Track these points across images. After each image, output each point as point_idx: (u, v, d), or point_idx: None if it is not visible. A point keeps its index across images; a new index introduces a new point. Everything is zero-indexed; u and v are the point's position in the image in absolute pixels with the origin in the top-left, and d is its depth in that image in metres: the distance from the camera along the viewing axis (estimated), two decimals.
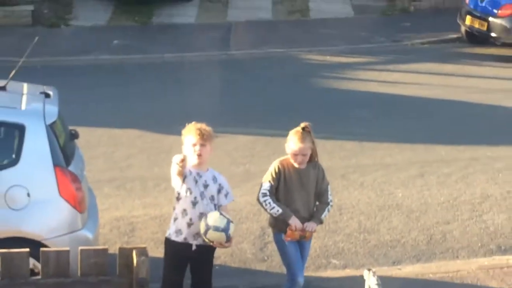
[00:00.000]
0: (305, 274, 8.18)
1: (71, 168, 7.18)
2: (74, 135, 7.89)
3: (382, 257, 8.68)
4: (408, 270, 8.41)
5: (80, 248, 5.29)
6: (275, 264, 8.42)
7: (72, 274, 5.24)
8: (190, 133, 6.40)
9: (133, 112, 12.63)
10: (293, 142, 6.76)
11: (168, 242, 6.52)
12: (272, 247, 8.71)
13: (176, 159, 6.21)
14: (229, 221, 6.34)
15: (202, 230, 6.31)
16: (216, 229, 6.27)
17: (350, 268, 8.38)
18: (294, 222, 6.72)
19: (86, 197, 7.32)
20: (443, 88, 14.44)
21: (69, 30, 17.35)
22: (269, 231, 9.06)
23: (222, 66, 15.66)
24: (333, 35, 17.39)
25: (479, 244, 9.02)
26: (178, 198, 6.44)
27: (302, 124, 6.85)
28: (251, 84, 14.50)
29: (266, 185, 6.77)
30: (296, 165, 6.79)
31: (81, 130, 8.13)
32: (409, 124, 12.50)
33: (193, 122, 6.51)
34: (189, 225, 6.42)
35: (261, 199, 6.76)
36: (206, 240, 6.34)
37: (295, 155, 6.77)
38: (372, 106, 13.39)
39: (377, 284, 5.34)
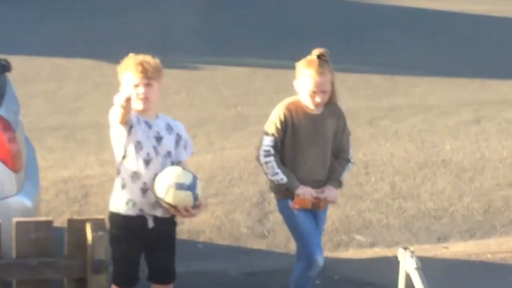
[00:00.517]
0: None
1: (1, 112, 7.18)
2: (5, 67, 7.87)
3: (423, 232, 8.74)
4: (458, 248, 8.47)
5: (15, 220, 5.30)
6: (278, 241, 8.49)
7: (4, 254, 5.27)
8: (129, 69, 6.33)
9: (84, 34, 12.60)
10: (308, 75, 6.72)
11: (117, 219, 6.46)
12: (275, 218, 8.77)
13: (119, 99, 6.11)
14: (195, 177, 6.30)
15: (159, 192, 6.26)
16: (180, 186, 6.19)
17: (380, 247, 8.44)
18: (303, 191, 6.74)
19: (23, 150, 7.33)
20: (508, 2, 14.41)
21: None
22: (271, 196, 9.13)
23: None
24: None
25: None
26: (124, 157, 6.38)
27: (317, 51, 6.81)
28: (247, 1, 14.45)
29: (268, 140, 6.74)
30: (312, 106, 6.77)
31: (14, 59, 8.11)
32: (459, 51, 12.50)
33: (131, 54, 6.43)
34: (144, 191, 6.37)
35: (262, 160, 6.74)
36: (165, 205, 6.29)
37: (313, 92, 6.74)
38: (409, 26, 13.39)
39: (417, 268, 5.37)
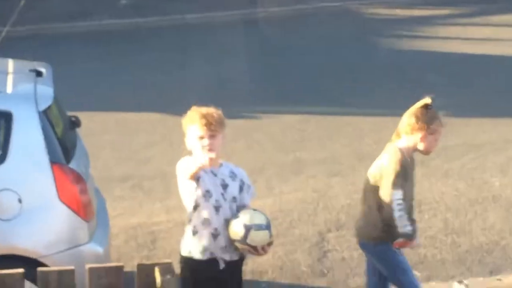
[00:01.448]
0: None
1: (72, 165, 7.23)
2: (74, 123, 7.95)
3: (476, 265, 8.62)
4: (511, 280, 8.35)
5: (87, 266, 5.32)
6: (337, 278, 8.45)
7: None
8: (194, 122, 6.35)
9: (148, 89, 12.68)
10: (436, 123, 6.76)
11: (190, 263, 6.47)
12: (333, 256, 8.73)
13: (190, 163, 6.17)
14: (267, 217, 6.37)
15: (238, 235, 6.28)
16: (259, 227, 6.27)
17: (436, 280, 8.34)
18: (418, 242, 6.82)
19: (93, 200, 7.37)
20: None
21: None
22: (329, 236, 9.10)
23: (256, 26, 15.69)
24: None
25: None
26: (195, 207, 6.40)
27: (428, 100, 6.82)
28: (294, 50, 14.47)
29: (399, 194, 6.64)
30: (428, 153, 6.82)
31: (83, 116, 8.19)
32: (505, 92, 12.40)
33: (194, 107, 6.44)
34: (215, 236, 6.39)
35: (397, 214, 6.64)
36: (244, 247, 6.32)
37: (436, 140, 6.78)
38: (455, 70, 13.31)
39: None
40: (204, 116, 6.32)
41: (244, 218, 6.28)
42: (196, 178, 6.27)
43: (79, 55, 14.23)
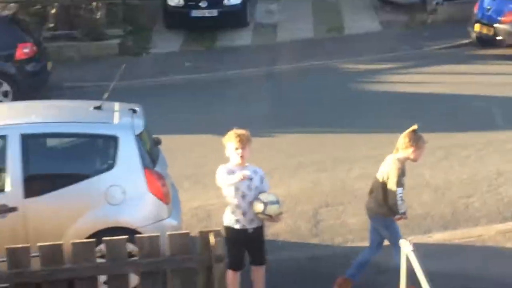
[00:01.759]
0: (352, 244, 8.18)
1: (156, 168, 7.27)
2: (157, 142, 8.00)
3: (415, 228, 8.56)
4: (437, 237, 8.32)
5: (167, 233, 5.35)
6: (327, 238, 8.40)
7: (162, 254, 5.31)
8: (231, 140, 6.45)
9: (203, 120, 12.70)
10: (421, 142, 6.78)
11: (230, 230, 6.54)
12: (324, 224, 8.69)
13: (238, 176, 6.26)
14: (277, 197, 6.49)
15: (260, 209, 6.37)
16: (272, 203, 6.39)
17: None
18: (406, 217, 6.92)
19: (170, 191, 7.40)
20: (459, 85, 14.21)
21: (149, 57, 17.53)
22: (321, 211, 9.06)
23: (273, 78, 15.65)
24: (364, 47, 17.23)
25: (497, 213, 8.86)
26: (231, 196, 6.52)
27: (415, 126, 6.87)
28: (296, 92, 14.44)
29: (400, 190, 6.76)
30: (416, 161, 6.89)
31: (163, 137, 8.23)
32: (433, 116, 12.33)
33: (233, 130, 6.52)
34: (244, 214, 6.48)
35: (399, 203, 6.76)
36: (264, 217, 6.39)
37: (422, 153, 6.84)
38: (400, 103, 13.24)
39: (412, 250, 5.29)
40: (238, 135, 6.39)
41: (262, 197, 6.40)
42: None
43: (160, 99, 14.24)
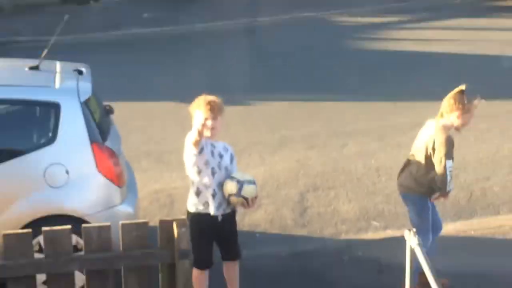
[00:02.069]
0: (346, 237, 8.24)
1: (107, 143, 7.23)
2: (108, 111, 7.94)
3: None
4: (449, 228, 8.33)
5: (121, 222, 5.33)
6: (315, 229, 8.44)
7: (114, 248, 5.29)
8: (200, 108, 6.39)
9: (165, 84, 12.65)
10: (469, 104, 6.68)
11: (196, 217, 6.50)
12: (311, 212, 8.73)
13: (195, 130, 6.20)
14: (252, 177, 6.52)
15: (234, 190, 6.33)
16: (249, 182, 6.39)
17: (391, 229, 8.36)
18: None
19: (124, 171, 7.37)
20: (476, 43, 14.28)
21: (98, 5, 17.41)
22: (308, 196, 9.11)
23: (252, 33, 15.60)
24: None
25: None
26: (198, 172, 6.44)
27: (463, 86, 6.75)
28: (281, 50, 14.43)
29: (450, 163, 6.65)
30: (462, 127, 6.74)
31: (115, 105, 8.18)
32: (444, 81, 12.36)
33: (203, 95, 6.48)
34: (213, 196, 6.45)
35: (448, 178, 6.66)
36: (239, 200, 6.37)
37: (471, 117, 6.71)
38: (405, 64, 13.28)
39: (419, 244, 5.32)
40: (209, 103, 6.35)
41: (237, 176, 6.41)
42: (200, 148, 6.30)
43: (112, 59, 14.17)
